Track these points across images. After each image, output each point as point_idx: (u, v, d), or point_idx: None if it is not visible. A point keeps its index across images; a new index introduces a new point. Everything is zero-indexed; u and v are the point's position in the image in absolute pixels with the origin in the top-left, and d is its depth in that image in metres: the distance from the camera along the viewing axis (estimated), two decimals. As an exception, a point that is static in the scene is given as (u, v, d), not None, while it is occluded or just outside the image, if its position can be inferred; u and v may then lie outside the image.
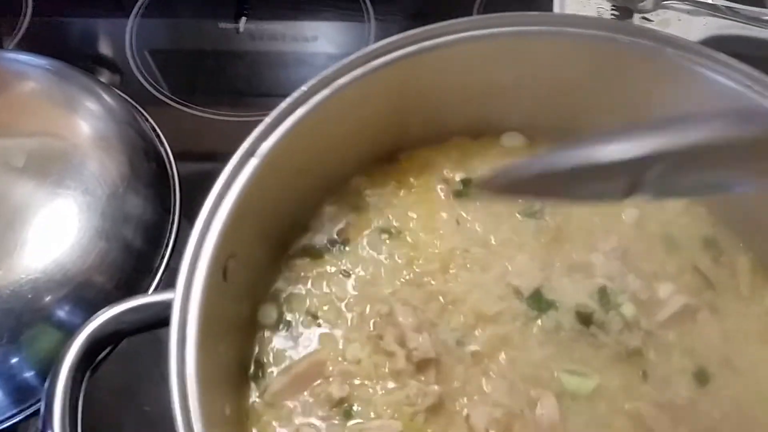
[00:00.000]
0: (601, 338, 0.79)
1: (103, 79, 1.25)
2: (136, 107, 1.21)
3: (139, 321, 0.62)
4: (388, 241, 0.87)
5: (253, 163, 0.67)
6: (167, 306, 0.59)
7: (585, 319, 0.80)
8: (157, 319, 0.60)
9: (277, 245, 0.83)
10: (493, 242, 0.88)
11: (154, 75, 1.26)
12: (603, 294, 0.80)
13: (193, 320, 0.59)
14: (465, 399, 0.76)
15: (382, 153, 0.93)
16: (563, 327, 0.80)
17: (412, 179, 0.94)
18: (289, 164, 0.75)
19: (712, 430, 0.75)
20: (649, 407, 0.75)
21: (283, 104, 0.72)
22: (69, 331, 0.67)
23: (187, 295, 0.60)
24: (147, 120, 1.20)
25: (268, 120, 0.68)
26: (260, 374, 0.76)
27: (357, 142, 0.88)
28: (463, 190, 0.92)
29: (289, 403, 0.75)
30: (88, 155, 1.01)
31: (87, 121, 1.08)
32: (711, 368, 0.79)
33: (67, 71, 1.12)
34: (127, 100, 1.21)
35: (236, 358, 0.75)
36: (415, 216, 0.90)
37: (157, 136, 1.10)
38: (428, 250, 0.87)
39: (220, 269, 0.65)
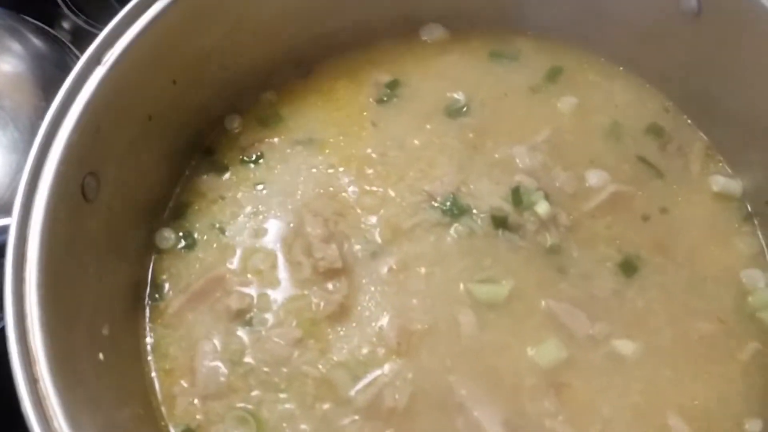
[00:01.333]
0: (516, 241, 0.78)
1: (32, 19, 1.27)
2: (67, 45, 1.24)
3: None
4: (302, 153, 0.88)
5: (100, 72, 0.67)
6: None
7: (500, 222, 0.80)
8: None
9: (173, 162, 0.85)
10: (411, 145, 0.88)
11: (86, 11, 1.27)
12: (516, 194, 0.79)
13: (35, 242, 0.61)
14: (374, 310, 0.77)
15: (289, 64, 0.92)
16: (477, 233, 0.80)
17: (329, 88, 0.93)
18: (157, 73, 0.75)
19: (635, 322, 0.73)
20: (563, 304, 0.74)
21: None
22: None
23: (26, 217, 0.62)
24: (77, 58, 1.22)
25: (119, 16, 0.68)
26: (157, 296, 0.80)
27: (253, 52, 0.87)
28: (389, 93, 0.91)
29: (188, 319, 0.78)
30: (4, 96, 1.05)
31: (7, 62, 1.11)
32: (642, 256, 0.77)
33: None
34: (57, 38, 1.23)
35: (129, 279, 0.79)
36: (331, 126, 0.90)
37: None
38: (344, 158, 0.88)
39: (77, 188, 0.66)
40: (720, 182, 0.83)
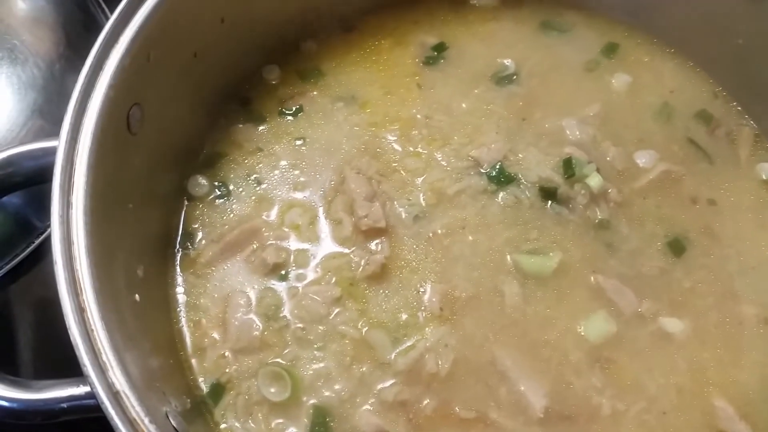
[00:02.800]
0: (565, 214, 0.78)
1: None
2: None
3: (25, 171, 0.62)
4: (344, 110, 0.87)
5: (152, 0, 0.65)
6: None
7: (549, 193, 0.79)
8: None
9: (211, 109, 0.83)
10: (458, 110, 0.87)
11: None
12: (568, 165, 0.79)
13: (82, 166, 0.59)
14: (416, 274, 0.76)
15: (335, 17, 0.91)
16: (524, 203, 0.79)
17: (372, 46, 0.92)
18: (208, 8, 0.73)
19: (681, 303, 0.74)
20: (612, 280, 0.74)
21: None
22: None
23: (74, 139, 0.60)
24: (97, 2, 1.19)
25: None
26: (189, 244, 0.78)
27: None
28: (436, 56, 0.90)
29: (221, 270, 0.76)
30: (22, 33, 1.02)
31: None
32: (690, 238, 0.77)
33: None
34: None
35: (161, 225, 0.77)
36: (374, 84, 0.89)
37: (99, 6, 1.09)
38: (387, 118, 0.86)
39: (123, 117, 0.64)
40: (768, 170, 0.83)
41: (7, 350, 0.88)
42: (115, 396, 0.51)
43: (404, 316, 0.74)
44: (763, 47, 0.82)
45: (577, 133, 0.83)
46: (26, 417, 0.55)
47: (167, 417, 0.56)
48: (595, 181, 0.78)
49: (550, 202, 0.79)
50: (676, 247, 0.77)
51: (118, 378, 0.52)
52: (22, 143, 0.79)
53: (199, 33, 0.75)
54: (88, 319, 0.54)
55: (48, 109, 0.98)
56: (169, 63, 0.71)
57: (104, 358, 0.52)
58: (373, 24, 0.93)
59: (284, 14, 0.87)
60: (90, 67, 0.62)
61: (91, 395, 0.52)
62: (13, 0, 1.08)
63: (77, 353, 0.52)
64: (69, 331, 0.52)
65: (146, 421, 0.51)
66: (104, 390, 0.51)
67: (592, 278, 0.75)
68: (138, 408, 0.51)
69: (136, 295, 0.66)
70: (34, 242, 0.93)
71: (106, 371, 0.52)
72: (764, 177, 0.83)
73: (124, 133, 0.66)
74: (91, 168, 0.60)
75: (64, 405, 0.55)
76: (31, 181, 0.65)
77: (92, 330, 0.53)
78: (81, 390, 0.54)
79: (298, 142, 0.84)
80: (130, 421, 0.50)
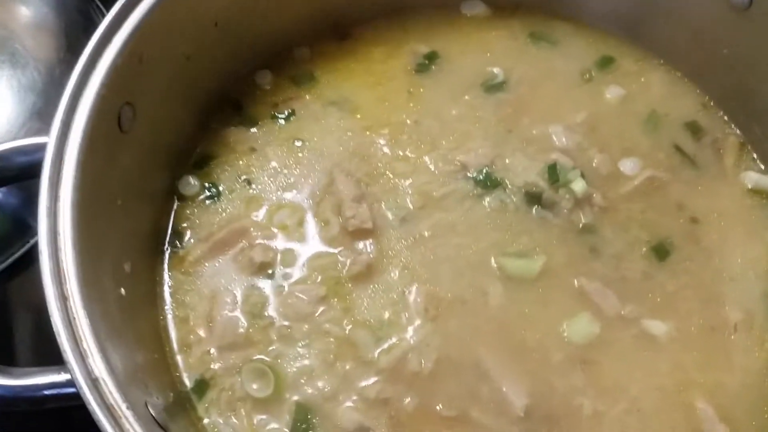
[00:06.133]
0: (550, 218, 0.79)
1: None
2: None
3: (16, 166, 0.64)
4: (335, 114, 0.89)
5: (146, 3, 0.67)
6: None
7: (534, 198, 0.81)
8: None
9: (202, 111, 0.85)
10: (447, 116, 0.89)
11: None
12: (553, 170, 0.80)
13: (71, 162, 0.60)
14: (402, 274, 0.77)
15: (328, 25, 0.93)
16: (509, 207, 0.80)
17: (365, 53, 0.94)
18: (202, 11, 0.75)
19: (664, 306, 0.74)
20: (595, 283, 0.75)
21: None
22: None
23: (64, 135, 0.62)
24: (98, 8, 1.22)
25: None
26: (177, 243, 0.79)
27: (295, 6, 0.88)
28: (427, 64, 0.91)
29: (208, 269, 0.77)
30: (24, 38, 1.04)
31: (30, 3, 1.11)
32: (674, 242, 0.78)
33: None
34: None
35: (151, 223, 0.78)
36: (365, 90, 0.91)
37: (101, 12, 1.12)
38: (378, 123, 0.88)
39: (114, 115, 0.66)
40: (753, 178, 0.84)
41: (4, 348, 0.90)
42: (93, 382, 0.52)
43: (389, 315, 0.75)
44: (747, 57, 0.84)
45: (564, 139, 0.85)
46: (9, 403, 0.56)
47: (146, 406, 0.57)
48: (579, 186, 0.79)
49: (535, 206, 0.80)
50: (660, 252, 0.78)
51: (97, 365, 0.53)
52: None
53: (192, 36, 0.77)
54: (71, 307, 0.55)
55: (47, 111, 1.00)
56: (161, 65, 0.73)
57: (84, 345, 0.53)
58: (367, 32, 0.95)
59: (279, 21, 0.89)
60: (83, 65, 0.64)
61: (72, 383, 0.53)
62: (17, 6, 1.11)
63: (58, 340, 0.53)
64: (51, 319, 0.54)
65: (124, 407, 0.52)
66: (83, 375, 0.52)
67: (575, 281, 0.76)
68: (116, 395, 0.52)
69: (122, 289, 0.67)
70: (29, 242, 0.95)
71: (86, 357, 0.53)
72: (749, 186, 0.84)
73: (114, 131, 0.67)
74: (80, 163, 0.61)
75: (46, 392, 0.56)
76: (22, 175, 0.66)
77: (74, 318, 0.54)
78: (62, 377, 0.55)
79: (290, 145, 0.86)
80: (107, 407, 0.51)
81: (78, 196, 0.60)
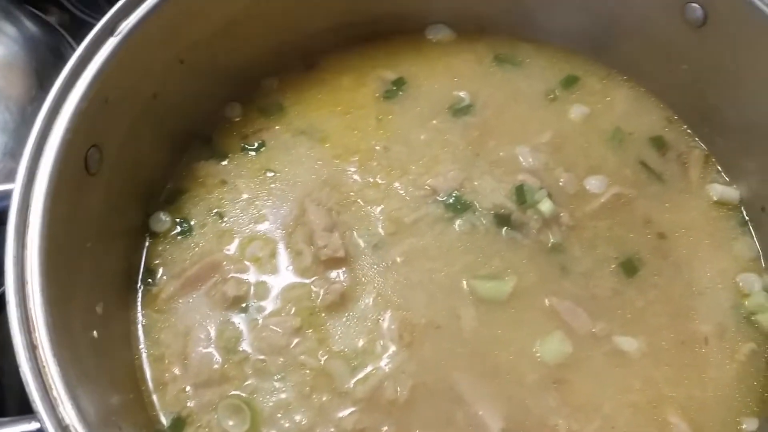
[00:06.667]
0: (519, 239, 0.80)
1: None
2: (60, 31, 1.24)
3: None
4: (305, 143, 0.90)
5: (112, 42, 0.68)
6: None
7: (503, 220, 0.82)
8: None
9: (172, 147, 0.85)
10: (415, 141, 0.90)
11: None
12: (520, 192, 0.81)
13: (37, 209, 0.61)
14: (375, 302, 0.78)
15: (295, 55, 0.94)
16: (479, 230, 0.81)
17: (333, 82, 0.95)
18: (167, 50, 0.76)
19: (634, 322, 0.75)
20: (566, 302, 0.76)
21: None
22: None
23: (30, 182, 0.62)
24: (71, 46, 1.23)
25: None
26: (150, 280, 0.79)
27: (261, 38, 0.89)
28: (394, 90, 0.93)
29: (181, 306, 0.77)
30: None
31: (0, 43, 1.12)
32: (642, 258, 0.80)
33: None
34: (50, 24, 1.24)
35: (123, 262, 0.78)
36: (334, 118, 0.92)
37: (72, 50, 1.13)
38: (347, 151, 0.89)
39: (81, 158, 0.67)
40: (718, 190, 0.86)
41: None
42: (64, 430, 0.52)
43: (364, 344, 0.75)
44: (705, 72, 0.86)
45: (530, 160, 0.86)
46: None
47: (120, 451, 0.57)
48: (546, 206, 0.80)
49: (504, 227, 0.82)
50: (629, 268, 0.79)
51: (68, 412, 0.53)
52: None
53: (158, 75, 0.78)
54: (40, 355, 0.55)
55: (19, 151, 0.98)
56: (128, 104, 0.74)
57: (54, 393, 0.54)
58: (334, 61, 0.96)
59: (245, 54, 0.90)
60: (47, 111, 0.65)
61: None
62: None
63: (27, 389, 0.53)
64: (20, 368, 0.54)
65: (96, 455, 0.52)
66: (53, 424, 0.52)
67: (546, 301, 0.77)
68: (88, 442, 0.52)
69: (95, 332, 0.67)
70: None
71: (56, 406, 0.53)
72: (714, 198, 0.86)
73: (82, 174, 0.68)
74: (46, 210, 0.62)
75: (16, 442, 0.56)
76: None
77: (44, 366, 0.55)
78: (32, 426, 0.55)
79: (260, 177, 0.87)
80: (79, 456, 0.52)
81: (45, 243, 0.61)
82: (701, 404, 0.72)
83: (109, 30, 0.69)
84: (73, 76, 0.66)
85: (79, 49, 0.67)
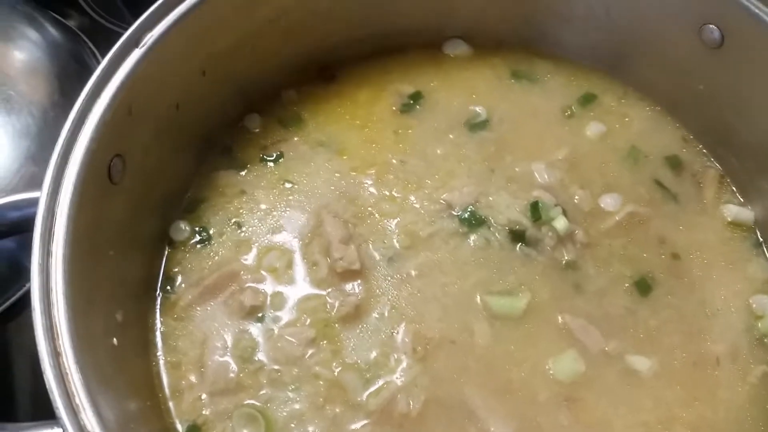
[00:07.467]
0: (533, 256, 0.81)
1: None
2: (83, 38, 1.26)
3: (9, 221, 0.66)
4: (323, 155, 0.91)
5: (137, 54, 0.70)
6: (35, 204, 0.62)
7: (517, 236, 0.82)
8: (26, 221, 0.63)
9: (192, 156, 0.87)
10: (432, 155, 0.91)
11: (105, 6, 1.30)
12: (535, 209, 0.82)
13: (62, 218, 0.62)
14: (390, 315, 0.79)
15: (314, 68, 0.96)
16: (494, 245, 0.82)
17: (351, 95, 0.96)
18: (189, 62, 0.78)
19: (647, 341, 0.76)
20: (579, 320, 0.77)
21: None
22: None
23: (55, 191, 0.63)
24: (92, 52, 1.25)
25: (158, 3, 0.71)
26: (168, 288, 0.81)
27: (281, 51, 0.90)
28: (411, 104, 0.94)
29: (199, 314, 0.79)
30: (18, 83, 1.07)
31: (24, 48, 1.14)
32: (656, 277, 0.80)
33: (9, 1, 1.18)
34: (73, 30, 1.26)
35: (142, 269, 0.80)
36: (352, 131, 0.93)
37: (94, 56, 1.15)
38: (364, 163, 0.90)
39: (104, 168, 0.68)
40: (733, 211, 0.86)
41: (3, 399, 0.91)
42: (86, 437, 0.54)
43: (377, 357, 0.76)
44: (721, 93, 0.86)
45: (546, 176, 0.87)
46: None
47: (139, 458, 0.58)
48: (560, 223, 0.81)
49: (519, 244, 0.82)
50: (642, 287, 0.80)
51: (90, 420, 0.55)
52: (14, 190, 0.83)
53: (180, 86, 0.79)
54: (64, 363, 0.56)
55: (41, 156, 1.02)
56: (150, 115, 0.76)
57: (77, 400, 0.55)
58: (353, 74, 0.97)
59: (265, 66, 0.91)
60: (72, 121, 0.66)
61: (65, 438, 0.55)
62: (10, 51, 1.13)
63: (51, 396, 0.55)
64: (44, 375, 0.55)
65: (116, 462, 0.53)
66: (75, 431, 0.54)
67: (559, 318, 0.78)
68: (109, 449, 0.54)
69: (114, 339, 0.68)
70: (25, 285, 0.96)
71: (78, 413, 0.55)
72: (729, 218, 0.86)
73: (105, 184, 0.69)
74: (71, 218, 0.63)
75: (38, 448, 0.57)
76: (15, 229, 0.68)
77: (67, 373, 0.56)
78: (55, 432, 0.56)
79: (279, 187, 0.88)
80: (100, 462, 0.53)
81: (70, 250, 0.62)
82: (712, 426, 0.73)
83: (134, 42, 0.70)
84: (97, 87, 0.68)
85: (104, 61, 0.68)
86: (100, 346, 0.65)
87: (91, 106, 0.68)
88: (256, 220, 0.85)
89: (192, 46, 0.77)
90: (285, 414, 0.73)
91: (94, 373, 0.60)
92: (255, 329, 0.78)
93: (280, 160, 0.90)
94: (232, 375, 0.75)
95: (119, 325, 0.71)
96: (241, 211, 0.86)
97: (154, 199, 0.81)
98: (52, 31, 1.21)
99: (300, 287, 0.81)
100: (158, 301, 0.80)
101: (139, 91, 0.72)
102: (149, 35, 0.71)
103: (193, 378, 0.76)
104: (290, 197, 0.87)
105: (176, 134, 0.82)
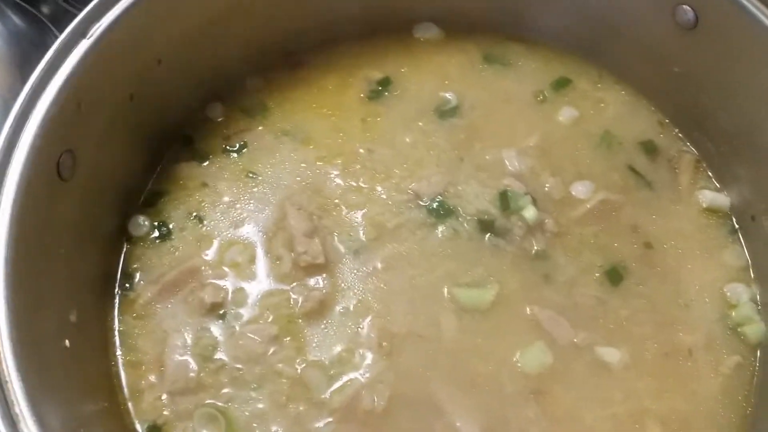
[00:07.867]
0: (502, 246, 0.79)
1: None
2: (47, 24, 1.22)
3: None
4: (288, 145, 0.88)
5: (84, 45, 0.66)
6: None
7: (486, 226, 0.80)
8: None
9: (151, 149, 0.84)
10: (400, 143, 0.88)
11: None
12: (504, 198, 0.80)
13: (5, 217, 0.59)
14: (355, 309, 0.77)
15: (279, 54, 0.92)
16: (462, 236, 0.80)
17: (318, 81, 0.93)
18: (143, 50, 0.75)
19: (618, 332, 0.74)
20: (548, 311, 0.75)
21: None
22: None
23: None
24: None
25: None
26: (127, 285, 0.78)
27: (244, 36, 0.87)
28: (380, 90, 0.91)
29: (159, 311, 0.76)
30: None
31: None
32: (627, 266, 0.78)
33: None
34: (37, 17, 1.22)
35: (99, 267, 0.77)
36: (318, 119, 0.90)
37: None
38: (330, 153, 0.87)
39: (53, 165, 0.65)
40: (708, 197, 0.84)
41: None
42: (26, 447, 0.52)
43: (342, 353, 0.74)
44: (696, 75, 0.84)
45: (516, 164, 0.85)
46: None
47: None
48: (530, 213, 0.79)
49: (488, 234, 0.80)
50: (614, 277, 0.78)
51: (30, 428, 0.53)
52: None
53: (135, 76, 0.76)
54: (3, 370, 0.54)
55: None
56: (102, 108, 0.73)
57: (17, 409, 0.53)
58: (320, 59, 0.94)
59: (227, 52, 0.88)
60: (15, 118, 0.63)
61: (5, 449, 0.53)
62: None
63: (-14, 405, 0.53)
64: (-20, 383, 0.53)
65: (58, 472, 0.51)
66: (13, 441, 0.52)
67: (528, 309, 0.76)
68: (51, 459, 0.52)
69: (66, 341, 0.66)
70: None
71: (17, 423, 0.53)
72: (704, 205, 0.84)
73: (54, 181, 0.66)
74: (14, 218, 0.60)
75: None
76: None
77: (6, 381, 0.54)
78: (-6, 443, 0.54)
79: (242, 179, 0.85)
80: (40, 473, 0.51)
81: (13, 252, 0.60)
82: (683, 418, 0.71)
83: (80, 33, 0.67)
84: (42, 81, 0.65)
85: (48, 54, 0.65)
86: (49, 348, 0.63)
87: (35, 101, 0.65)
88: (218, 214, 0.83)
89: (145, 34, 0.74)
90: (247, 413, 0.71)
91: (40, 377, 0.58)
92: (216, 327, 0.76)
93: (244, 151, 0.87)
94: (192, 374, 0.73)
95: (73, 325, 0.69)
96: (202, 204, 0.84)
97: (110, 195, 0.78)
98: (15, 19, 1.17)
99: (263, 283, 0.78)
100: (117, 300, 0.78)
101: (89, 84, 0.69)
102: (96, 25, 0.68)
103: (152, 378, 0.74)
104: (254, 189, 0.85)
105: (132, 126, 0.79)
